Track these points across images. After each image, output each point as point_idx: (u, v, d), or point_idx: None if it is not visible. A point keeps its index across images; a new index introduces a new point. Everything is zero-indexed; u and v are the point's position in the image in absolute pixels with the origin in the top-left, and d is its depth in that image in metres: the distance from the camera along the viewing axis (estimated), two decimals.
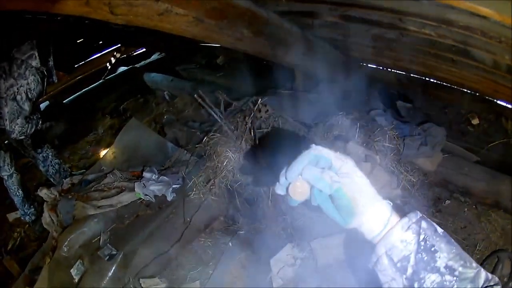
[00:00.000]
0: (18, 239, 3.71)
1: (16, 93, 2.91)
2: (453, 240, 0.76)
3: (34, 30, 3.32)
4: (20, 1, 1.68)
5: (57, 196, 2.94)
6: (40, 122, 3.11)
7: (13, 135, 3.00)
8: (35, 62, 2.93)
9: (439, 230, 0.77)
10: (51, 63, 3.06)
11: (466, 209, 2.58)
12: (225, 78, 4.19)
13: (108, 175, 2.86)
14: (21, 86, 2.91)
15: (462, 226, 2.50)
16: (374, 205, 0.87)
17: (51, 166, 3.62)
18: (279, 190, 0.90)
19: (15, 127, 2.94)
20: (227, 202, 2.67)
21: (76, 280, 2.56)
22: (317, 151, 0.87)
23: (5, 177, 3.36)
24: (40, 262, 3.07)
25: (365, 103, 3.15)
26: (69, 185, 3.03)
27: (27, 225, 3.71)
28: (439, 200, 2.69)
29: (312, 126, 2.64)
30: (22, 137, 3.10)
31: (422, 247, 0.75)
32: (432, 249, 0.74)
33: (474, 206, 2.57)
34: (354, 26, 2.61)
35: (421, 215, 0.79)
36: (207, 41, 2.69)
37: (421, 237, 0.76)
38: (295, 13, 2.66)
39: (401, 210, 0.83)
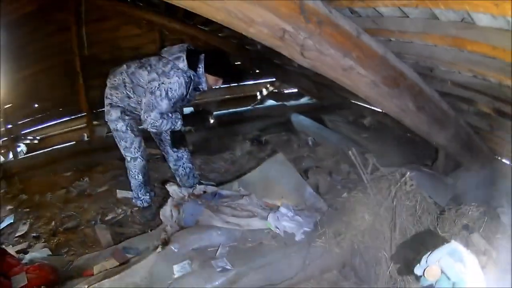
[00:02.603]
0: (121, 216, 3.89)
1: (156, 88, 3.08)
2: None
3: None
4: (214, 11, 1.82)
5: (186, 197, 3.08)
6: (179, 123, 3.24)
7: (144, 125, 3.18)
8: (182, 65, 3.09)
9: None
10: (201, 70, 3.18)
11: None
12: (369, 140, 4.24)
13: (244, 197, 2.96)
14: (162, 83, 3.07)
15: None
16: None
17: (182, 167, 3.76)
18: (418, 270, 1.10)
19: (147, 118, 3.09)
20: (347, 259, 2.72)
21: (176, 277, 2.64)
22: (455, 246, 1.04)
23: (128, 158, 3.51)
24: (139, 245, 3.22)
25: (493, 198, 3.11)
26: (201, 192, 3.15)
27: (136, 208, 3.87)
28: None
29: (445, 210, 2.65)
30: (154, 130, 3.28)
31: None
32: None
33: None
34: (503, 120, 2.62)
35: None
36: (375, 105, 2.78)
37: None
38: (454, 97, 2.71)
39: None
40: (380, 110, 3.20)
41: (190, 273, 2.65)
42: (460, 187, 2.94)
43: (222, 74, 3.26)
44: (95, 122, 5.45)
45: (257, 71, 6.56)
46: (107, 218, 3.91)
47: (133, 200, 3.79)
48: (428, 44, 2.12)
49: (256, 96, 6.87)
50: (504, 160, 3.39)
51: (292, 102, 6.28)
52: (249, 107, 6.29)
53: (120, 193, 4.11)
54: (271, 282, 2.64)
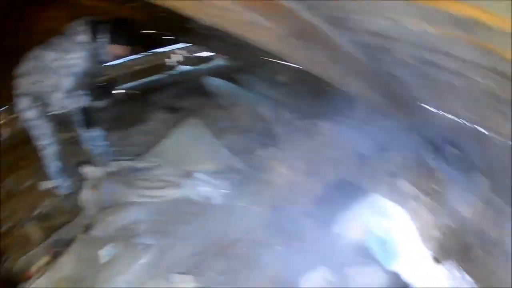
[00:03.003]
0: (49, 208, 3.73)
1: (58, 66, 2.95)
2: None
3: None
4: None
5: (102, 176, 2.96)
6: (87, 100, 3.11)
7: (52, 108, 3.07)
8: (81, 38, 2.96)
9: None
10: (102, 41, 3.02)
11: None
12: (287, 95, 4.21)
13: (159, 167, 2.88)
14: (62, 60, 2.95)
15: None
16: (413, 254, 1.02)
17: (98, 146, 3.65)
18: (339, 229, 1.07)
19: (53, 100, 2.98)
20: (271, 216, 2.68)
21: (103, 262, 2.58)
22: (377, 200, 1.03)
23: (41, 147, 3.38)
24: (68, 235, 3.09)
25: (417, 143, 3.17)
26: (116, 169, 3.04)
27: (59, 197, 3.72)
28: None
29: (369, 158, 2.66)
30: (62, 110, 3.13)
31: None
32: None
33: None
34: (423, 67, 2.64)
35: None
36: (285, 58, 2.73)
37: None
38: (370, 46, 2.69)
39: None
40: (296, 66, 3.16)
41: (115, 256, 2.58)
42: (383, 135, 2.96)
43: (126, 43, 3.09)
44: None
45: (170, 37, 6.42)
46: (35, 214, 3.74)
47: (56, 189, 3.68)
48: None
49: (168, 63, 6.74)
50: (427, 107, 3.45)
51: (205, 66, 6.25)
52: (161, 75, 6.19)
53: (43, 185, 3.93)
54: (198, 250, 2.59)
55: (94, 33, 2.99)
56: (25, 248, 3.30)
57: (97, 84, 3.33)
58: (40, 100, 3.18)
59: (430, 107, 3.42)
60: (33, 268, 2.87)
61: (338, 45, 2.57)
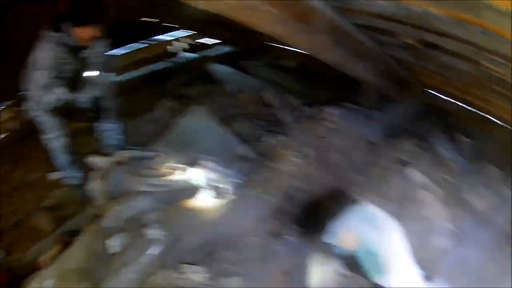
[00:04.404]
0: (56, 200, 3.77)
1: (31, 62, 2.96)
2: None
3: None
4: None
5: (110, 166, 2.95)
6: (71, 93, 3.10)
7: (39, 105, 3.10)
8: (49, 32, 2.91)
9: None
10: (64, 27, 2.92)
11: None
12: (293, 82, 4.17)
13: (167, 156, 2.86)
14: (34, 56, 2.94)
15: None
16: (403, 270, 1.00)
17: (109, 139, 3.65)
18: (330, 238, 1.07)
19: (34, 97, 3.03)
20: (282, 205, 2.66)
21: (112, 252, 2.58)
22: (369, 209, 1.02)
23: (49, 140, 3.38)
24: (77, 226, 3.11)
25: (425, 131, 3.12)
26: (123, 158, 3.02)
27: (68, 188, 3.75)
28: None
29: (377, 145, 2.62)
30: (41, 107, 3.14)
31: None
32: None
33: None
34: (428, 51, 2.59)
35: None
36: (288, 43, 2.69)
37: None
38: (373, 29, 2.65)
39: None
40: (299, 50, 3.12)
41: (125, 246, 2.58)
42: (391, 121, 2.92)
43: (88, 21, 2.90)
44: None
45: (173, 25, 6.34)
46: (44, 205, 3.78)
47: (65, 180, 3.67)
48: None
49: (172, 51, 6.68)
50: (434, 92, 3.40)
51: (209, 52, 6.18)
52: (166, 64, 6.13)
53: (51, 176, 3.93)
54: (208, 240, 2.58)
55: (58, 22, 2.90)
56: (35, 239, 3.34)
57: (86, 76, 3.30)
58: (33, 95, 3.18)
59: (436, 92, 3.38)
60: (43, 259, 2.88)
61: (341, 28, 2.54)
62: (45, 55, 2.90)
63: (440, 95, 3.36)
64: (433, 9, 1.87)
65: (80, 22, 2.86)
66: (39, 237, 3.36)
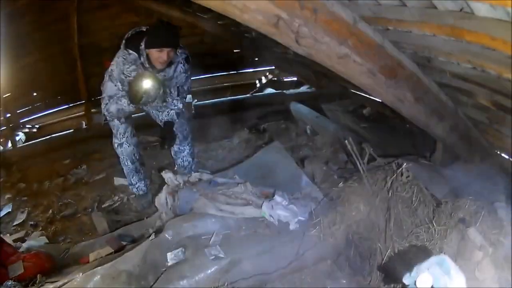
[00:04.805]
0: (117, 203, 3.92)
1: (110, 75, 3.17)
2: None
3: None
4: None
5: (181, 184, 3.06)
6: (132, 106, 3.20)
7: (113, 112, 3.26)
8: (122, 45, 3.08)
9: None
10: (142, 47, 3.02)
11: None
12: (367, 130, 4.22)
13: (239, 185, 2.94)
14: (113, 69, 3.14)
15: None
16: None
17: (181, 159, 3.75)
18: (408, 280, 1.17)
19: (107, 105, 3.22)
20: (342, 249, 2.71)
21: (169, 264, 2.64)
22: (445, 258, 1.11)
23: (115, 145, 3.53)
24: (134, 232, 3.25)
25: (491, 192, 3.09)
26: (197, 180, 3.13)
27: (132, 195, 3.89)
28: None
29: (442, 203, 2.63)
30: (106, 114, 3.30)
31: None
32: None
33: None
34: (502, 114, 2.59)
35: None
36: (371, 93, 2.76)
37: None
38: (453, 88, 2.68)
39: None
40: (379, 100, 3.18)
41: (183, 261, 2.64)
42: (458, 180, 2.92)
43: (156, 44, 2.97)
44: (93, 110, 5.47)
45: (256, 59, 6.59)
46: (103, 206, 3.94)
47: (130, 187, 3.79)
48: (426, 34, 2.09)
49: (255, 84, 6.87)
50: (503, 154, 3.37)
51: (291, 91, 6.26)
52: (248, 95, 6.30)
53: (118, 181, 4.14)
54: (264, 271, 2.62)
55: (135, 41, 3.03)
56: (86, 234, 3.53)
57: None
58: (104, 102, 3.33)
59: (505, 154, 3.34)
60: (92, 255, 3.00)
61: (423, 84, 2.59)
62: (118, 69, 3.09)
63: (509, 158, 3.33)
64: (508, 75, 1.92)
65: (154, 45, 2.97)
66: (92, 233, 3.53)
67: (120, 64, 3.07)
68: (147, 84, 2.97)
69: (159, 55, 2.97)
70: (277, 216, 2.73)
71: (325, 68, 2.34)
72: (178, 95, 3.34)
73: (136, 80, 2.99)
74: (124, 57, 3.05)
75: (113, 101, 3.18)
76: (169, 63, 3.12)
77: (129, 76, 3.09)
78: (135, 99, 3.05)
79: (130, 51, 3.02)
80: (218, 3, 1.80)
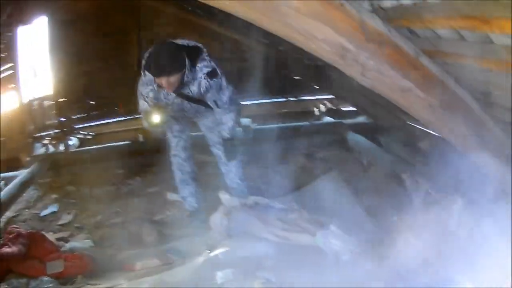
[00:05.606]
0: (169, 217, 4.01)
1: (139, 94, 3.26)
2: None
3: None
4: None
5: (238, 206, 3.15)
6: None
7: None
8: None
9: None
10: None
11: None
12: (424, 164, 4.17)
13: (296, 212, 2.99)
14: (139, 88, 3.23)
15: None
16: None
17: (230, 181, 3.75)
18: None
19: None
20: (392, 283, 2.68)
21: (218, 282, 2.69)
22: None
23: (173, 159, 3.69)
24: (183, 248, 3.32)
25: None
26: (253, 203, 3.20)
27: (184, 212, 3.92)
28: None
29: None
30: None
31: None
32: None
33: None
34: None
35: None
36: (430, 128, 2.76)
37: None
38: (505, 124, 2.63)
39: None
40: (437, 134, 3.15)
41: (232, 282, 2.69)
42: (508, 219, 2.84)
43: (150, 72, 2.95)
44: None
45: (316, 87, 6.62)
46: (154, 218, 4.04)
47: (182, 201, 3.87)
48: (484, 69, 2.09)
49: (313, 112, 6.88)
50: None
51: (349, 120, 6.21)
52: (306, 123, 6.27)
53: (171, 196, 4.21)
54: None
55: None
56: (134, 244, 3.56)
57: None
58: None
59: None
60: (139, 264, 3.10)
61: (481, 119, 2.55)
62: (141, 88, 3.18)
63: None
64: None
65: (150, 72, 2.95)
66: (138, 243, 3.58)
67: (139, 85, 3.20)
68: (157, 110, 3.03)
69: (159, 81, 2.92)
70: (330, 246, 2.75)
71: (384, 99, 2.38)
72: (218, 107, 3.27)
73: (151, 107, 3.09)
74: (142, 78, 3.16)
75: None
76: (191, 79, 3.05)
77: (147, 97, 3.16)
78: (150, 122, 3.07)
79: (146, 73, 3.03)
80: (286, 32, 1.87)
